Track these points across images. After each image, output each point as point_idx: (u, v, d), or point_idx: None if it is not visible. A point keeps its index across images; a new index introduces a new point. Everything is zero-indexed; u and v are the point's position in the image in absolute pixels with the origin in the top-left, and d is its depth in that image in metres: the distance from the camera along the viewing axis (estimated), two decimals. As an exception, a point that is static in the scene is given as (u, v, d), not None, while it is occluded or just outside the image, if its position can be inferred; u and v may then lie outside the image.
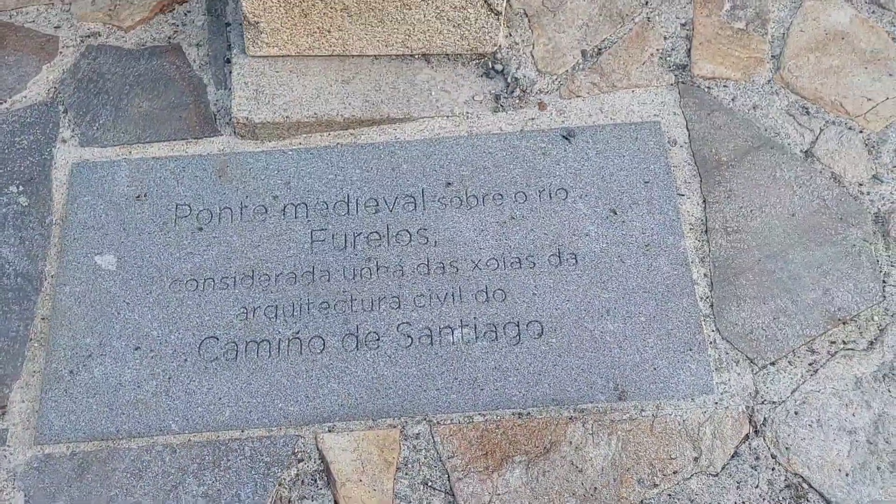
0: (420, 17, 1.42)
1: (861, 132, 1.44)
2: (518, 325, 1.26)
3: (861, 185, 1.39)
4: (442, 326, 1.26)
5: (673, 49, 1.55)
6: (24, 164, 1.44)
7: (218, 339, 1.25)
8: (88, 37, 1.60)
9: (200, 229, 1.35)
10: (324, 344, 1.25)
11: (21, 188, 1.41)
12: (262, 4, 1.37)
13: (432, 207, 1.37)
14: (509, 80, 1.52)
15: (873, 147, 1.43)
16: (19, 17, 1.61)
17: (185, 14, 1.63)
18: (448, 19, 1.43)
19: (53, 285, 1.30)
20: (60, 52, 1.57)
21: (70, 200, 1.38)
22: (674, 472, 1.14)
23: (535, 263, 1.32)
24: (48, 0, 1.64)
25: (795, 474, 1.14)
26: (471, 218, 1.36)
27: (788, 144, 1.43)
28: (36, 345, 1.27)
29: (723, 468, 1.15)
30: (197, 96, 1.51)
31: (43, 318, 1.29)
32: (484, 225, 1.35)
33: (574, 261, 1.32)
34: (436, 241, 1.33)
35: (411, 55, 1.51)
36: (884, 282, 1.29)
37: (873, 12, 1.59)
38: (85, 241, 1.34)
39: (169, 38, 1.59)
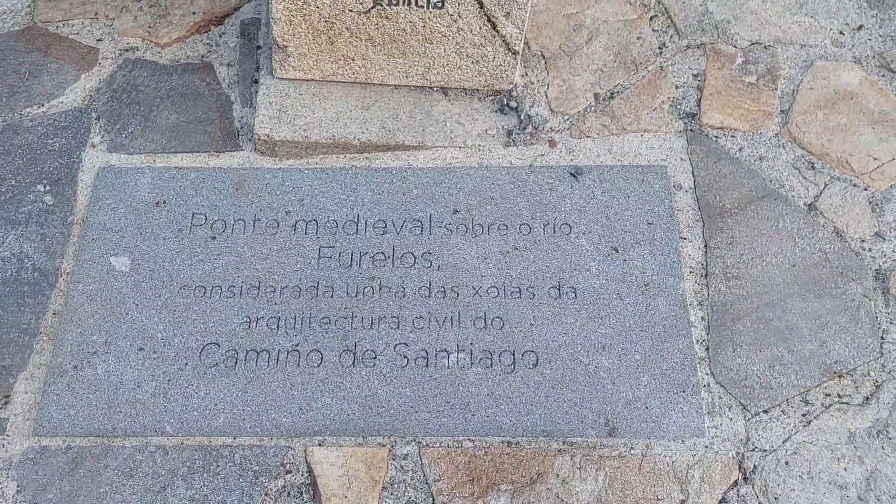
0: (441, 51, 1.48)
1: (865, 189, 1.47)
2: (514, 354, 1.28)
3: (863, 241, 1.40)
4: (438, 349, 1.28)
5: (684, 98, 1.59)
6: (54, 165, 1.50)
7: (219, 345, 1.28)
8: (127, 50, 1.68)
9: (213, 238, 1.40)
10: (321, 358, 1.27)
11: (48, 187, 1.48)
12: (291, 30, 1.44)
13: (438, 233, 1.41)
14: (522, 116, 1.57)
15: (877, 205, 1.45)
16: (65, 29, 1.71)
17: (220, 35, 1.72)
18: (467, 55, 1.49)
19: (68, 282, 1.35)
20: (99, 63, 1.66)
21: (93, 202, 1.44)
22: (659, 514, 1.14)
23: (534, 294, 1.34)
24: (93, 14, 1.74)
25: (783, 526, 1.13)
26: (475, 246, 1.39)
27: (793, 197, 1.46)
28: (45, 338, 1.31)
29: (709, 513, 1.14)
30: (223, 112, 1.58)
31: (54, 313, 1.33)
32: (487, 253, 1.38)
33: (573, 295, 1.34)
34: (439, 266, 1.36)
35: (430, 87, 1.57)
36: (882, 338, 1.29)
37: (883, 76, 1.63)
38: (102, 241, 1.39)
39: (202, 56, 1.68)
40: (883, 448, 1.18)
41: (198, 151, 1.53)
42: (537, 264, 1.37)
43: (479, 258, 1.38)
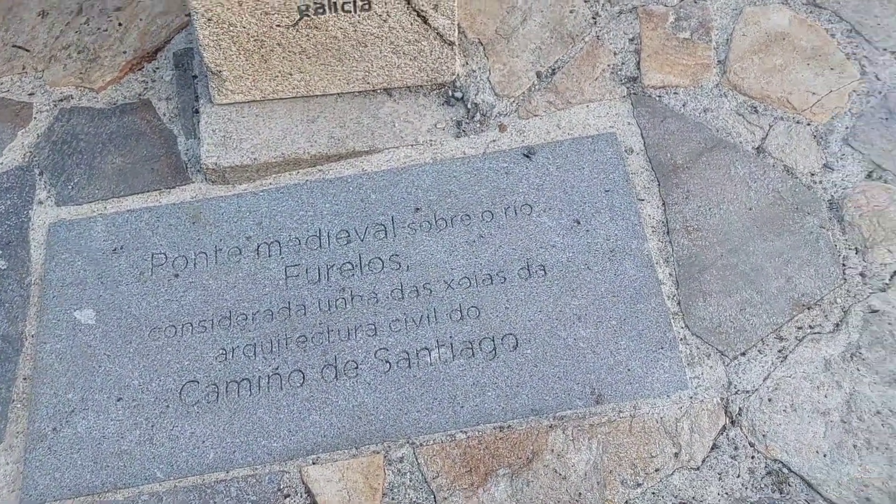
0: (377, 53, 1.48)
1: (809, 125, 1.50)
2: (493, 340, 1.28)
3: (813, 174, 1.44)
4: (419, 348, 1.28)
5: (623, 63, 1.61)
6: (2, 228, 1.47)
7: (198, 382, 1.27)
8: (61, 100, 1.65)
9: (177, 276, 1.38)
10: (303, 377, 1.27)
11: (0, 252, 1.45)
12: (222, 54, 1.43)
13: (402, 234, 1.41)
14: (469, 106, 1.57)
15: (821, 138, 1.48)
16: (-8, 89, 1.67)
17: (155, 70, 1.69)
18: (404, 53, 1.49)
19: (34, 344, 1.32)
20: (35, 118, 1.63)
21: (48, 259, 1.41)
22: (656, 470, 1.15)
23: (505, 278, 1.35)
24: (21, 69, 1.70)
25: (775, 460, 1.16)
26: (441, 240, 1.40)
27: (740, 143, 1.49)
28: (19, 406, 1.28)
29: (703, 461, 1.16)
30: (168, 147, 1.56)
31: (25, 378, 1.30)
32: (454, 246, 1.39)
33: (543, 272, 1.35)
34: (408, 266, 1.37)
35: (373, 90, 1.57)
36: (843, 265, 1.33)
37: (811, 12, 1.66)
38: (64, 297, 1.36)
39: (139, 94, 1.65)
40: (858, 369, 1.22)
41: (148, 191, 1.51)
42: (504, 248, 1.38)
43: (447, 252, 1.38)
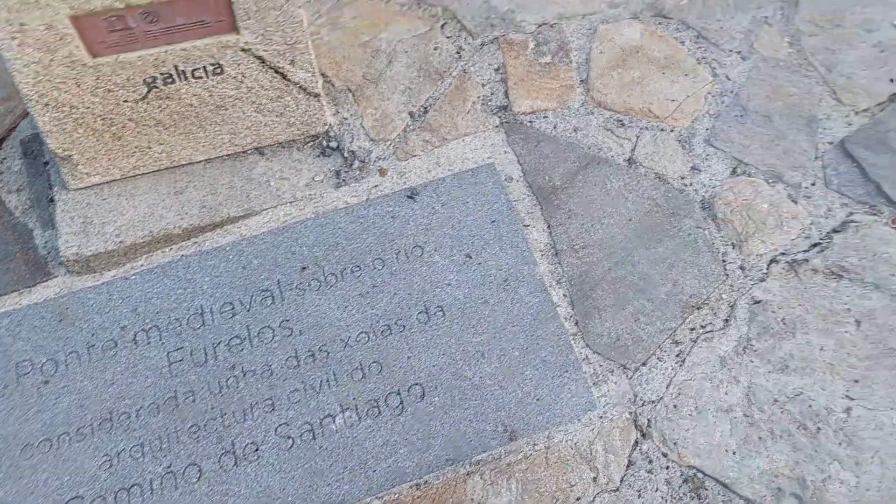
0: (239, 114, 1.43)
1: (672, 131, 1.57)
2: (399, 394, 1.24)
3: (683, 178, 1.50)
4: (322, 417, 1.22)
5: (492, 93, 1.64)
6: None
7: (83, 497, 1.15)
8: None
9: (46, 382, 1.26)
10: (200, 471, 1.17)
11: None
12: (68, 138, 1.33)
13: (291, 296, 1.35)
14: (346, 154, 1.55)
15: (685, 142, 1.55)
16: None
17: (1, 161, 1.56)
18: (269, 111, 1.45)
19: None
20: None
21: None
22: (577, 500, 1.14)
23: (404, 326, 1.31)
24: None
25: (689, 467, 1.17)
26: (332, 297, 1.35)
27: (612, 157, 1.53)
28: None
29: (622, 481, 1.16)
30: (24, 243, 1.43)
31: None
32: (347, 301, 1.34)
33: (442, 313, 1.33)
34: (300, 330, 1.31)
35: (243, 151, 1.51)
36: (723, 261, 1.38)
37: (659, 23, 1.76)
38: (-87, 429, 1.21)
39: (-12, 188, 1.52)
40: (752, 361, 1.26)
41: (5, 293, 1.37)
42: (400, 295, 1.35)
43: (340, 308, 1.33)
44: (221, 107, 1.40)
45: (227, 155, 1.50)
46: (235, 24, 1.26)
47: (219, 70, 1.33)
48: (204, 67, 1.32)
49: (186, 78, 1.32)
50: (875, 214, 1.42)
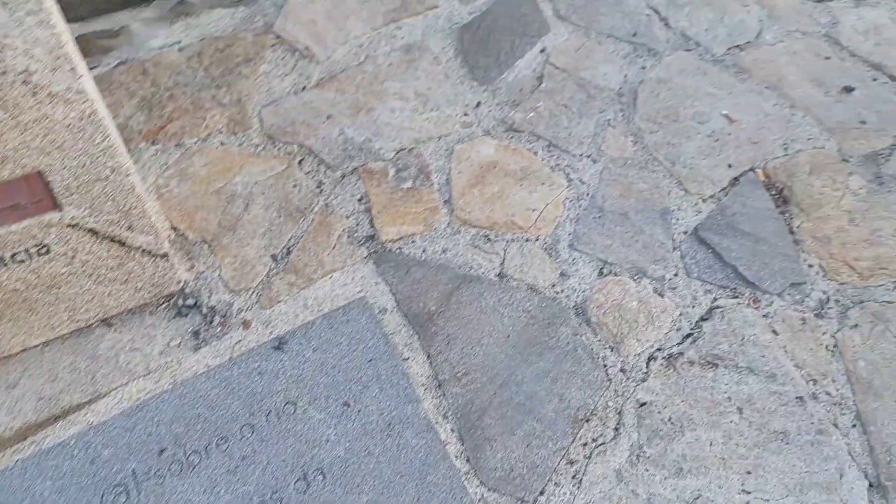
0: (76, 290, 1.31)
1: (537, 240, 1.60)
2: (279, 585, 1.08)
3: (554, 285, 1.51)
4: None
5: (358, 224, 1.62)
6: None
7: None
8: None
9: None
10: None
11: None
12: None
13: (149, 487, 1.19)
14: (205, 311, 1.45)
15: (551, 249, 1.58)
16: None
17: None
18: (110, 280, 1.34)
19: None
20: None
21: None
22: None
23: (281, 499, 1.18)
24: None
25: None
26: (197, 479, 1.20)
27: (483, 273, 1.53)
28: None
29: None
30: None
31: None
32: (214, 481, 1.20)
33: (322, 476, 1.21)
34: (159, 528, 1.14)
35: (87, 326, 1.38)
36: (604, 366, 1.37)
37: (511, 137, 1.84)
38: None
39: None
40: (647, 470, 1.21)
41: None
42: (274, 463, 1.22)
43: (207, 491, 1.18)
44: (53, 286, 1.28)
45: (69, 333, 1.36)
46: (57, 202, 1.18)
47: (45, 250, 1.23)
48: (26, 250, 1.21)
49: (6, 264, 1.21)
50: (737, 297, 1.47)
